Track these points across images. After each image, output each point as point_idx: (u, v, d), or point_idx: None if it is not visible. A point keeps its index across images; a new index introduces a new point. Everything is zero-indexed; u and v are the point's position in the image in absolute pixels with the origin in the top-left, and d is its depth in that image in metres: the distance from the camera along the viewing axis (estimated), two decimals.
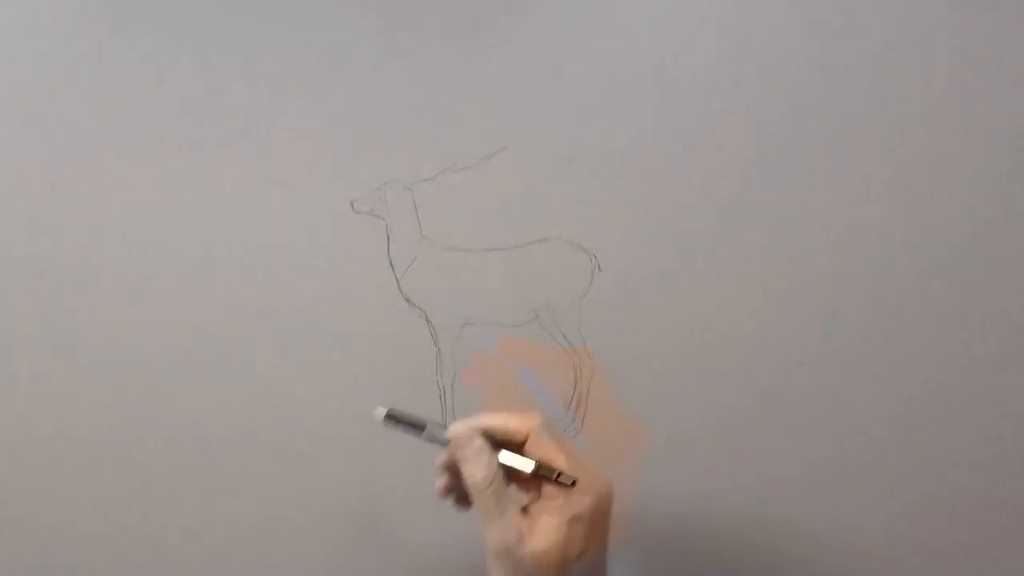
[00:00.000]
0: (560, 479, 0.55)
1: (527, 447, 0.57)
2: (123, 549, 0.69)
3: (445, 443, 0.58)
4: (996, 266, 0.72)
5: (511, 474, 0.57)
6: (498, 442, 0.57)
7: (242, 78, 0.64)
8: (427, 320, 0.69)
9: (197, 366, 0.67)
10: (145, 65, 0.64)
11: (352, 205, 0.67)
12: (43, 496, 0.68)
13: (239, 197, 0.66)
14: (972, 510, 0.75)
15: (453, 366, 0.69)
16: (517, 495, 0.57)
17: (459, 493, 0.59)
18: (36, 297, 0.66)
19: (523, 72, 0.66)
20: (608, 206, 0.68)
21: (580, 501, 0.56)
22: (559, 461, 0.56)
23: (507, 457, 0.57)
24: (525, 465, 0.56)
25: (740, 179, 0.69)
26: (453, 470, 0.58)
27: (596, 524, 0.56)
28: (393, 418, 0.59)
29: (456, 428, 0.57)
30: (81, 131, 0.64)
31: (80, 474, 0.68)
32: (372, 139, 0.66)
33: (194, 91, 0.64)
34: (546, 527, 0.56)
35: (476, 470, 0.56)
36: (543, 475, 0.56)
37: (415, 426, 0.59)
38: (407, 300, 0.68)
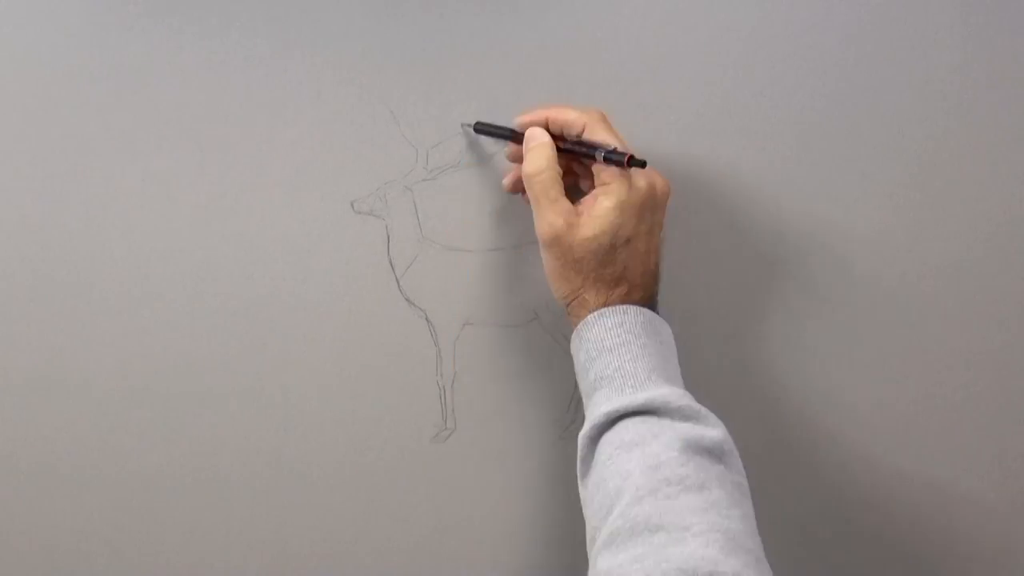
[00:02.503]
0: (630, 162, 0.57)
1: (585, 135, 0.60)
2: (122, 549, 0.69)
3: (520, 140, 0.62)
4: (997, 266, 0.72)
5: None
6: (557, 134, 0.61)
7: (242, 78, 0.64)
8: (427, 320, 0.69)
9: (196, 366, 0.67)
10: (145, 65, 0.63)
11: (352, 205, 0.67)
12: (43, 496, 0.68)
13: (239, 197, 0.66)
14: (973, 511, 0.75)
15: (453, 366, 0.69)
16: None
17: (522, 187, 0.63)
18: (35, 297, 0.65)
19: (523, 72, 0.66)
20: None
21: (635, 186, 0.58)
22: (614, 143, 0.59)
23: (576, 145, 0.60)
24: (595, 147, 0.59)
25: (741, 179, 0.69)
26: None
27: (645, 213, 0.59)
28: (483, 126, 0.65)
29: (529, 129, 0.61)
30: (80, 131, 0.64)
31: (80, 474, 0.68)
32: (372, 139, 0.66)
33: (194, 91, 0.64)
34: (596, 212, 0.59)
35: (532, 159, 0.60)
36: (609, 158, 0.58)
37: (502, 133, 0.64)
38: (407, 300, 0.68)
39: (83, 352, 0.66)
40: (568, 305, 0.61)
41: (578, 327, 0.60)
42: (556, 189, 0.59)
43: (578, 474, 0.57)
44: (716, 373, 0.71)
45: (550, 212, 0.59)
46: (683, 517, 0.50)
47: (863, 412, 0.72)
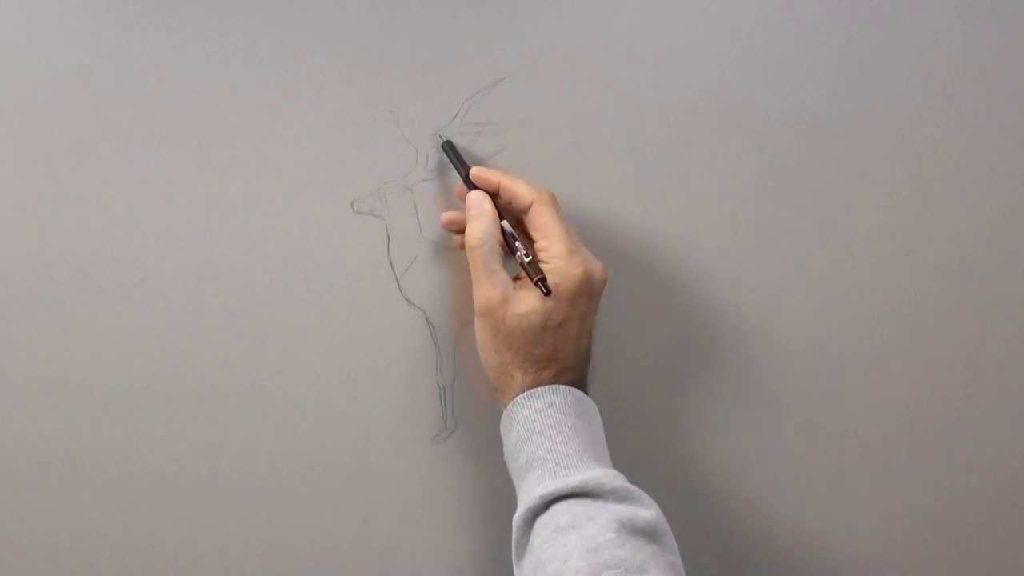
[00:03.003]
0: (538, 283, 0.59)
1: (529, 216, 0.62)
2: (122, 549, 0.69)
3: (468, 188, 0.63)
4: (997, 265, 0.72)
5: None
6: (505, 205, 0.63)
7: (242, 78, 0.64)
8: (427, 320, 0.68)
9: (195, 366, 0.67)
10: (145, 65, 0.63)
11: (352, 205, 0.67)
12: (42, 496, 0.68)
13: (239, 197, 0.66)
14: (974, 512, 0.75)
15: (453, 366, 0.69)
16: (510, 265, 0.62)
17: (461, 233, 0.64)
18: (35, 297, 0.65)
19: (524, 72, 0.66)
20: (608, 206, 0.68)
21: (570, 273, 0.59)
22: (555, 233, 0.60)
23: (510, 233, 0.61)
24: (517, 250, 0.61)
25: (741, 179, 0.69)
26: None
27: (579, 299, 0.60)
28: (449, 149, 0.65)
29: (471, 194, 0.63)
30: (80, 131, 0.64)
31: (80, 474, 0.68)
32: (372, 139, 0.66)
33: (194, 91, 0.64)
34: (531, 293, 0.60)
35: (473, 230, 0.61)
36: (523, 266, 0.60)
37: (461, 165, 0.64)
38: (407, 300, 0.68)
39: (83, 352, 0.66)
40: (495, 379, 0.62)
41: (508, 407, 0.60)
42: (495, 261, 0.60)
43: (513, 557, 0.57)
44: (719, 373, 0.71)
45: (486, 284, 0.60)
46: None
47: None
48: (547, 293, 0.58)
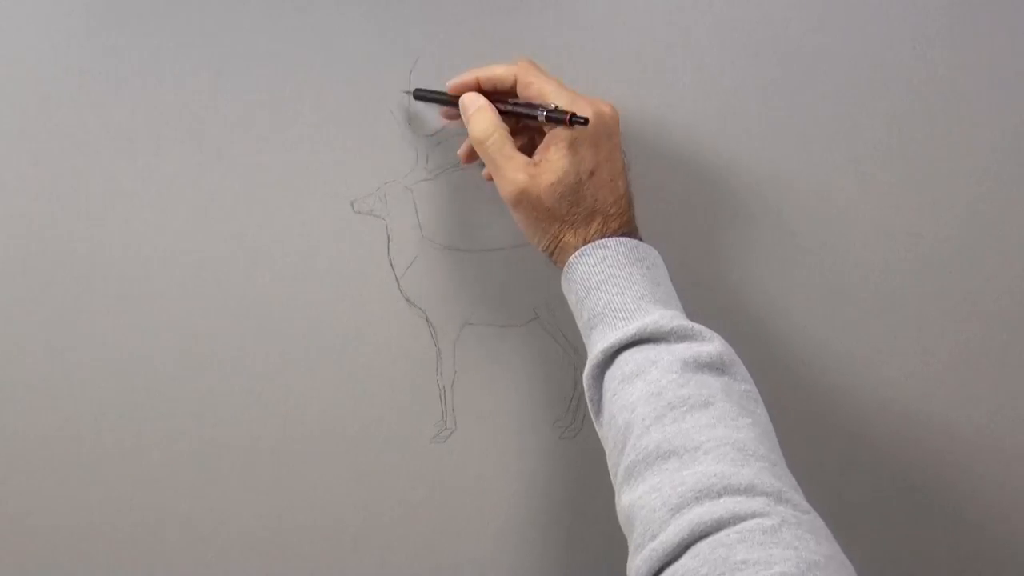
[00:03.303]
0: (572, 120, 0.57)
1: (518, 89, 0.61)
2: (123, 548, 0.69)
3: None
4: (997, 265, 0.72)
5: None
6: (494, 96, 0.61)
7: (242, 78, 0.64)
8: (427, 320, 0.68)
9: (196, 366, 0.67)
10: (145, 65, 0.63)
11: (352, 205, 0.67)
12: (42, 496, 0.68)
13: (239, 197, 0.66)
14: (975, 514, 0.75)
15: (453, 366, 0.69)
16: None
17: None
18: (35, 297, 0.65)
19: None
20: None
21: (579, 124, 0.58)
22: (549, 90, 0.59)
23: (515, 106, 0.60)
24: (537, 110, 0.59)
25: (743, 178, 0.69)
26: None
27: (600, 141, 0.59)
28: (421, 95, 0.64)
29: (463, 96, 0.61)
30: (80, 131, 0.64)
31: (79, 474, 0.68)
32: (372, 139, 0.66)
33: (194, 91, 0.64)
34: (552, 157, 0.59)
35: (476, 125, 0.60)
36: (551, 117, 0.58)
37: (440, 99, 0.64)
38: (407, 300, 0.68)
39: (83, 351, 0.66)
40: (550, 252, 0.61)
41: (564, 270, 0.60)
42: (509, 146, 0.60)
43: (591, 415, 0.57)
44: None
45: (509, 170, 0.59)
46: (691, 437, 0.50)
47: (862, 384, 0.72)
48: (585, 122, 0.57)
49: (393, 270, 0.68)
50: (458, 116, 0.62)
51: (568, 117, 0.57)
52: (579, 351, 0.70)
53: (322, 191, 0.66)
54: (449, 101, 0.63)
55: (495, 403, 0.66)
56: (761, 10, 0.67)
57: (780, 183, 0.69)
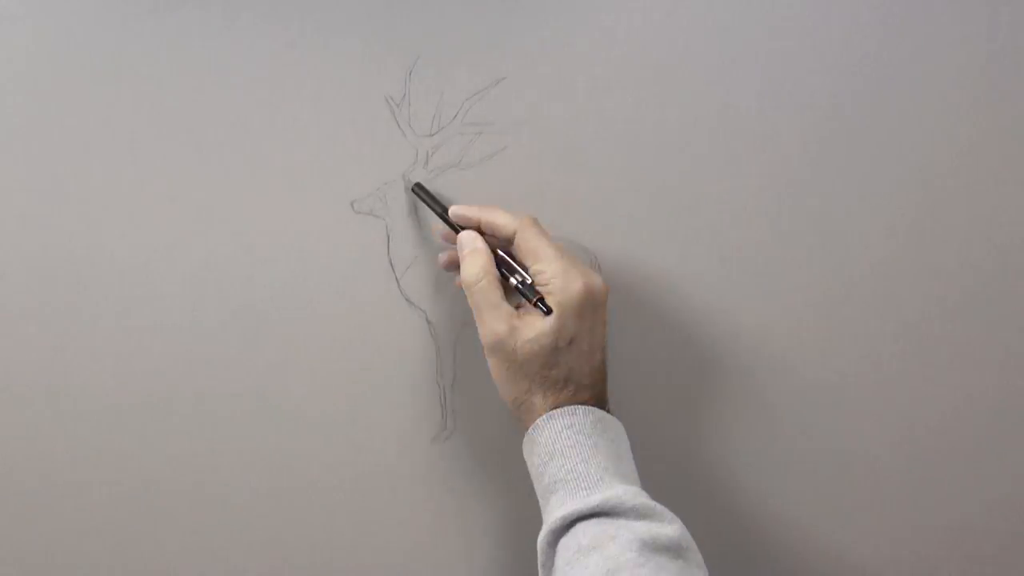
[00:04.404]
0: (537, 304, 0.59)
1: (516, 244, 0.61)
2: (123, 552, 0.69)
3: (455, 231, 0.64)
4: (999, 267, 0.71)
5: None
6: (489, 239, 0.62)
7: (242, 78, 0.64)
8: (427, 320, 0.68)
9: (195, 366, 0.67)
10: (145, 64, 0.63)
11: (352, 205, 0.67)
12: (41, 496, 0.68)
13: (239, 197, 0.66)
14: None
15: (453, 366, 0.69)
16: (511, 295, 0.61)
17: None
18: (35, 297, 0.65)
19: (524, 73, 0.66)
20: (608, 206, 0.68)
21: (569, 290, 0.59)
22: (543, 255, 0.60)
23: (502, 263, 0.62)
24: (514, 275, 0.61)
25: (742, 179, 0.69)
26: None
27: (585, 312, 0.60)
28: (419, 192, 0.65)
29: (462, 234, 0.63)
30: (80, 131, 0.64)
31: (78, 475, 0.68)
32: (372, 139, 0.66)
33: (194, 91, 0.64)
34: (536, 318, 0.59)
35: (468, 268, 0.61)
36: (523, 293, 0.60)
37: (437, 206, 0.65)
38: (407, 300, 0.68)
39: (82, 351, 0.66)
40: (516, 409, 0.61)
41: (529, 431, 0.60)
42: (496, 294, 0.60)
43: None
44: (719, 373, 0.71)
45: (491, 318, 0.60)
46: None
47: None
48: (548, 312, 0.58)
49: (393, 270, 0.68)
50: (456, 262, 0.63)
51: (534, 300, 0.59)
52: None
53: (322, 191, 0.66)
54: (442, 216, 0.64)
55: (495, 403, 0.66)
56: (762, 9, 0.67)
57: (781, 182, 0.69)
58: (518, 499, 0.70)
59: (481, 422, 0.70)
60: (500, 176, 0.67)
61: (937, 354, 0.72)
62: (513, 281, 0.60)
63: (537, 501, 0.60)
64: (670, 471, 0.71)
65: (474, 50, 0.65)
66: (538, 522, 0.59)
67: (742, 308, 0.70)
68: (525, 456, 0.61)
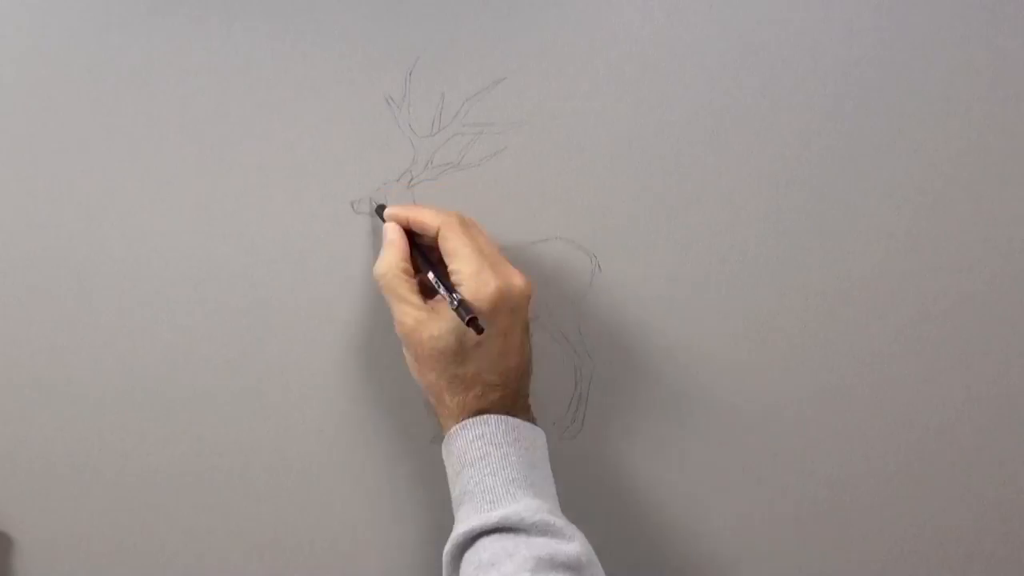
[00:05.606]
0: (470, 323, 0.56)
1: (439, 241, 0.61)
2: (123, 550, 0.69)
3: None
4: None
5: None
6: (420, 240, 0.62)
7: (242, 78, 0.64)
8: None
9: (195, 366, 0.67)
10: (145, 64, 0.63)
11: (352, 205, 0.67)
12: (41, 496, 0.68)
13: (238, 197, 0.66)
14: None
15: None
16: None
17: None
18: (35, 297, 0.65)
19: (524, 73, 0.66)
20: (608, 206, 0.68)
21: (479, 294, 0.58)
22: (460, 255, 0.59)
23: (432, 267, 0.61)
24: (425, 273, 0.61)
25: (742, 179, 0.69)
26: None
27: (499, 315, 0.59)
28: (379, 211, 0.65)
29: (385, 226, 0.63)
30: (80, 131, 0.64)
31: (77, 475, 0.68)
32: (372, 139, 0.66)
33: (194, 91, 0.64)
34: (444, 316, 0.59)
35: (378, 262, 0.62)
36: (453, 306, 0.58)
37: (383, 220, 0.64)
38: None
39: (82, 351, 0.66)
40: (429, 399, 0.62)
41: (444, 440, 0.61)
42: (403, 287, 0.60)
43: None
44: (719, 374, 0.71)
45: (398, 311, 0.60)
46: None
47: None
48: (479, 331, 0.56)
49: None
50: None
51: (467, 320, 0.56)
52: (579, 352, 0.70)
53: (322, 191, 0.66)
54: (379, 215, 0.65)
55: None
56: (762, 9, 0.67)
57: (781, 182, 0.69)
58: None
59: None
60: (500, 176, 0.67)
61: (937, 354, 0.72)
62: (440, 289, 0.60)
63: None
64: (668, 471, 0.71)
65: (474, 50, 0.65)
66: None
67: (742, 308, 0.70)
68: (444, 460, 0.61)
